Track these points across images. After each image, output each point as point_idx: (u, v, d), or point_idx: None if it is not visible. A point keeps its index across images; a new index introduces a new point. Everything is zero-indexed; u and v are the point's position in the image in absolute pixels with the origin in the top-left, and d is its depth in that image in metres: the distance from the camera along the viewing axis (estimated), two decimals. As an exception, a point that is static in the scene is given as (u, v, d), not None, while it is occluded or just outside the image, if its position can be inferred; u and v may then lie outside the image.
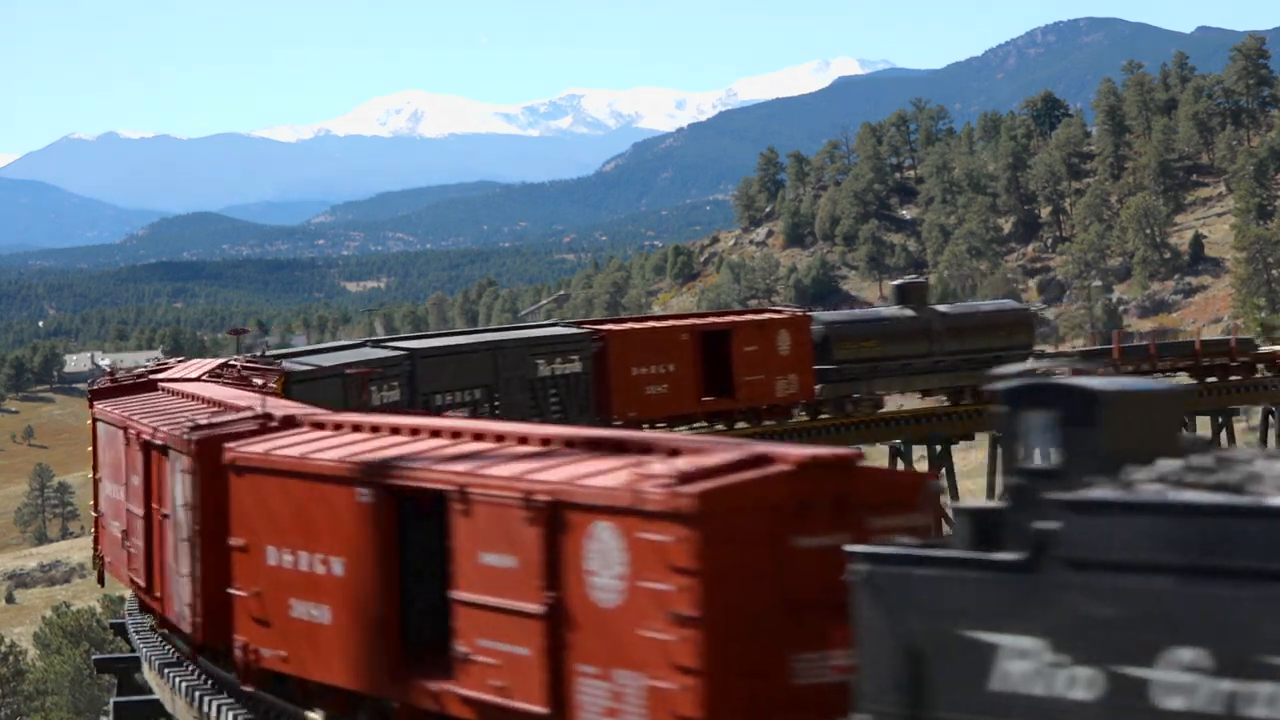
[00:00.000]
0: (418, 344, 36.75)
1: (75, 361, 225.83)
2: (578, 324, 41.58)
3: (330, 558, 13.59)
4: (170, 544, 16.95)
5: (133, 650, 23.48)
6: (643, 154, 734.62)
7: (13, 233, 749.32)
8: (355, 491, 13.14)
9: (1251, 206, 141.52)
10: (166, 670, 19.93)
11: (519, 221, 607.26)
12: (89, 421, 23.59)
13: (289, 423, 15.63)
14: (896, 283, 50.59)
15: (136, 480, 18.44)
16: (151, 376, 24.64)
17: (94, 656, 33.92)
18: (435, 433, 13.66)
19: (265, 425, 15.73)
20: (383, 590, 13.17)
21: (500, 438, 12.97)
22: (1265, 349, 52.88)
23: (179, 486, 16.49)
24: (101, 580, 24.40)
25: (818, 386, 42.06)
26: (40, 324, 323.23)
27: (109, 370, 26.74)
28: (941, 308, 48.00)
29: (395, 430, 14.07)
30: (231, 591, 14.96)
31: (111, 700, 24.24)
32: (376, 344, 37.24)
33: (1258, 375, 50.03)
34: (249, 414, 16.16)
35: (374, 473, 12.96)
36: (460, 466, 12.29)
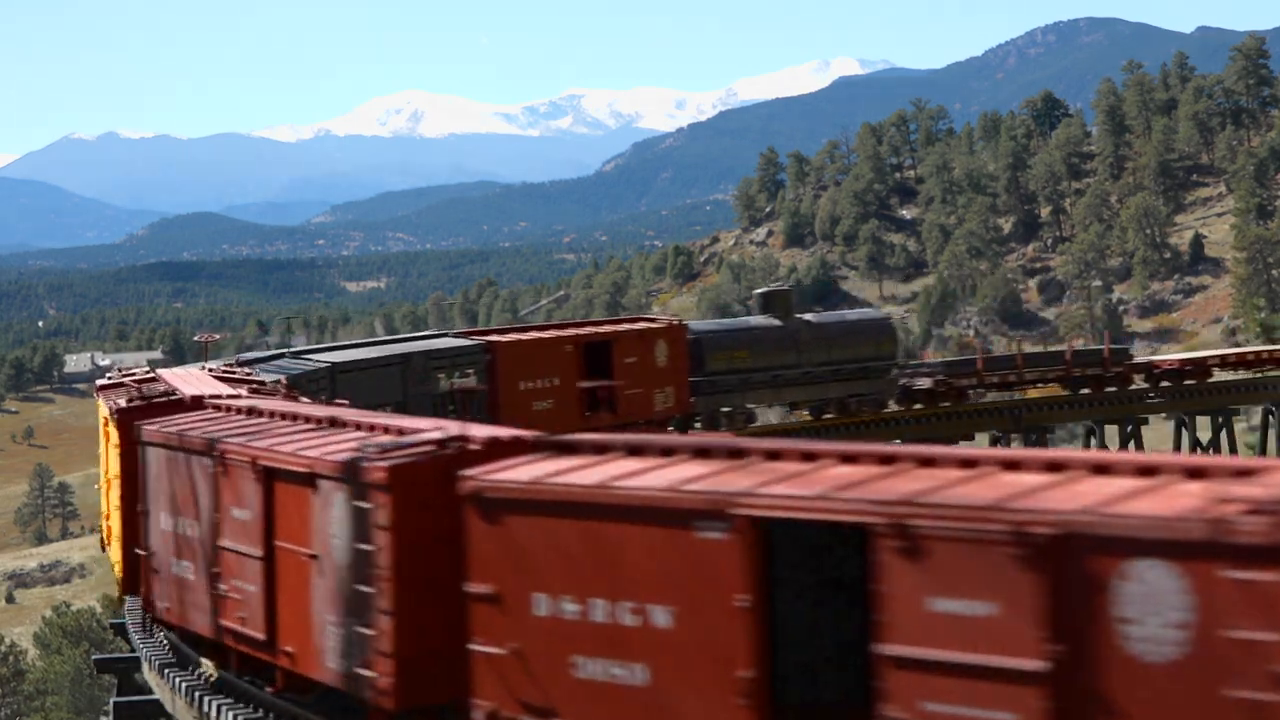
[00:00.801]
0: (338, 356, 33.92)
1: (75, 361, 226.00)
2: (468, 334, 38.47)
3: (647, 606, 11.17)
4: (322, 589, 14.61)
5: (133, 650, 23.47)
6: (643, 154, 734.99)
7: (13, 233, 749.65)
8: (693, 526, 10.78)
9: (1251, 206, 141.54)
10: (166, 670, 19.92)
11: (519, 221, 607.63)
12: (114, 444, 21.18)
13: (515, 447, 12.80)
14: (760, 290, 48.44)
15: (244, 514, 16.43)
16: (183, 391, 22.00)
17: (94, 656, 33.79)
18: (735, 453, 11.39)
19: (471, 450, 12.94)
20: (747, 645, 10.71)
21: (810, 456, 10.99)
22: (1141, 359, 50.13)
23: (342, 523, 14.09)
24: (150, 629, 20.80)
25: (692, 399, 40.42)
26: (40, 324, 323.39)
27: (125, 380, 23.80)
28: (808, 316, 46.02)
29: (700, 452, 11.54)
30: (476, 648, 12.24)
31: (111, 700, 24.22)
32: (296, 355, 34.37)
33: (1133, 387, 47.66)
34: (431, 435, 13.43)
35: (726, 503, 10.64)
36: (877, 493, 10.04)
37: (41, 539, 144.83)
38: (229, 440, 15.94)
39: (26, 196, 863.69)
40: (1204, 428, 50.42)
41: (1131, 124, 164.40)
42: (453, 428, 13.34)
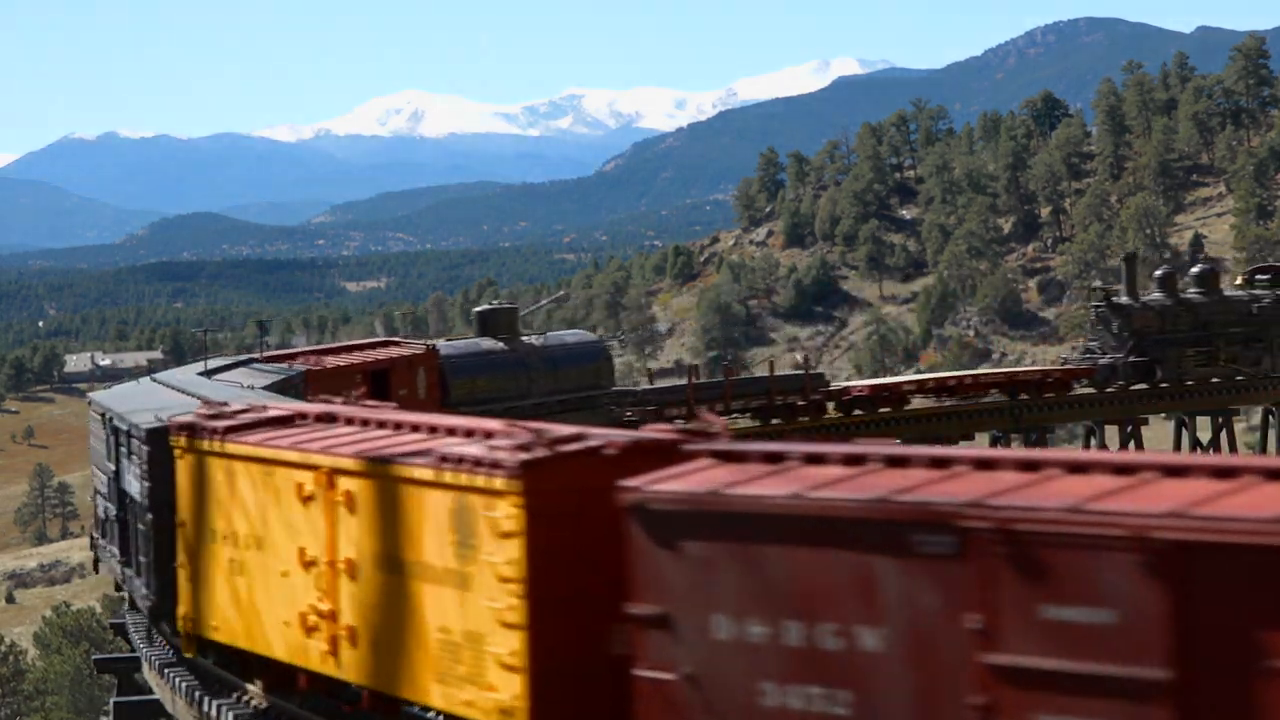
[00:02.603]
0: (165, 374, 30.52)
1: (75, 361, 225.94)
2: (277, 357, 34.66)
3: (853, 628, 9.97)
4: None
5: (133, 650, 23.47)
6: (643, 154, 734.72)
7: (13, 233, 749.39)
8: (912, 541, 9.63)
9: (1251, 206, 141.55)
10: (166, 670, 19.93)
11: (519, 221, 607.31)
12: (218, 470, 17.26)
13: (665, 454, 11.49)
14: (480, 309, 44.30)
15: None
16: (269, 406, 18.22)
17: (94, 656, 33.83)
18: (938, 462, 10.23)
19: (613, 454, 11.66)
20: (978, 670, 9.53)
21: (1032, 465, 9.82)
22: (836, 385, 46.87)
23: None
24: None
25: None
26: (40, 324, 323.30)
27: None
28: (531, 339, 42.25)
29: (897, 461, 10.40)
30: (642, 674, 11.10)
31: (111, 700, 24.24)
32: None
33: (827, 416, 44.71)
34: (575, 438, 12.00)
35: (954, 515, 9.45)
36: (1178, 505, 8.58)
37: (41, 539, 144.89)
38: None
39: (26, 196, 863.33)
40: (1204, 428, 50.45)
41: (1131, 124, 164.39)
42: (598, 432, 12.08)
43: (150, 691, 22.07)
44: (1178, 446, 49.83)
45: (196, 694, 18.43)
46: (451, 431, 13.21)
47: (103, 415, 21.42)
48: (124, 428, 18.94)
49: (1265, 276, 51.71)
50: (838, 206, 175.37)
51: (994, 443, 45.66)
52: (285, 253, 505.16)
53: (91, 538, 25.11)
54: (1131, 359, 46.87)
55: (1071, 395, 47.28)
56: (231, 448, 15.44)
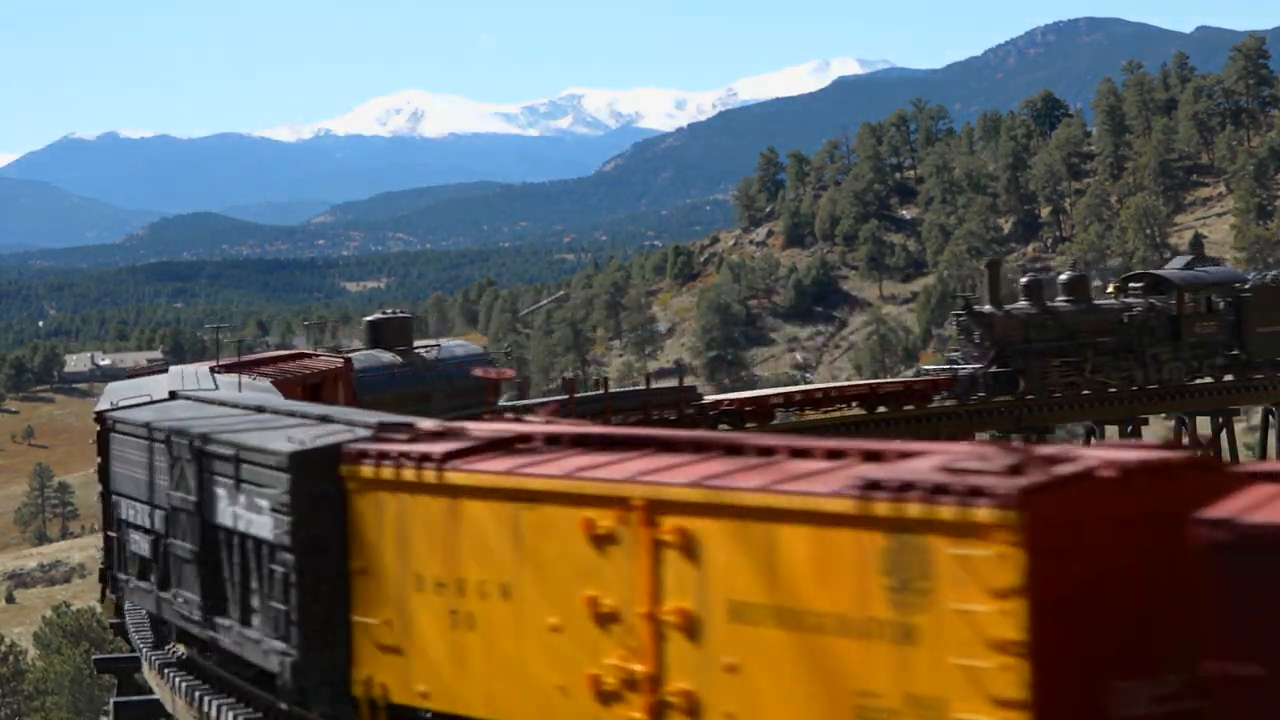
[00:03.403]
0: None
1: (75, 361, 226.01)
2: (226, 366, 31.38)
3: None
4: None
5: (133, 650, 23.46)
6: (643, 154, 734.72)
7: (13, 233, 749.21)
8: None
9: (1251, 206, 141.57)
10: (166, 670, 19.93)
11: (519, 221, 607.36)
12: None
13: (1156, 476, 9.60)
14: (371, 318, 41.97)
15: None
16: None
17: (94, 656, 33.81)
18: None
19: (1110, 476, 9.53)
20: None
21: None
22: (709, 398, 45.71)
23: None
24: None
25: None
26: (40, 324, 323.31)
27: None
28: (426, 350, 40.20)
29: None
30: None
31: (111, 700, 24.23)
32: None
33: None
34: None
35: None
36: None
37: (41, 539, 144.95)
38: None
39: (26, 196, 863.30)
40: (1204, 428, 50.40)
41: (1131, 124, 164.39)
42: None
43: (150, 691, 22.08)
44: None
45: (196, 694, 18.43)
46: (800, 454, 10.88)
47: (156, 433, 18.09)
48: (227, 452, 15.90)
49: (1139, 284, 49.07)
50: (838, 206, 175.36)
51: (994, 443, 45.59)
52: (285, 253, 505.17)
53: (112, 578, 20.92)
54: (993, 370, 44.60)
55: (1071, 395, 46.95)
56: (458, 478, 12.82)
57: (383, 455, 13.65)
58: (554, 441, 12.78)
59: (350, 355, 37.90)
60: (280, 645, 14.71)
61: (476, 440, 13.19)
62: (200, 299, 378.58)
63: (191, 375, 27.10)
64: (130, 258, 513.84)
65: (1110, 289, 51.13)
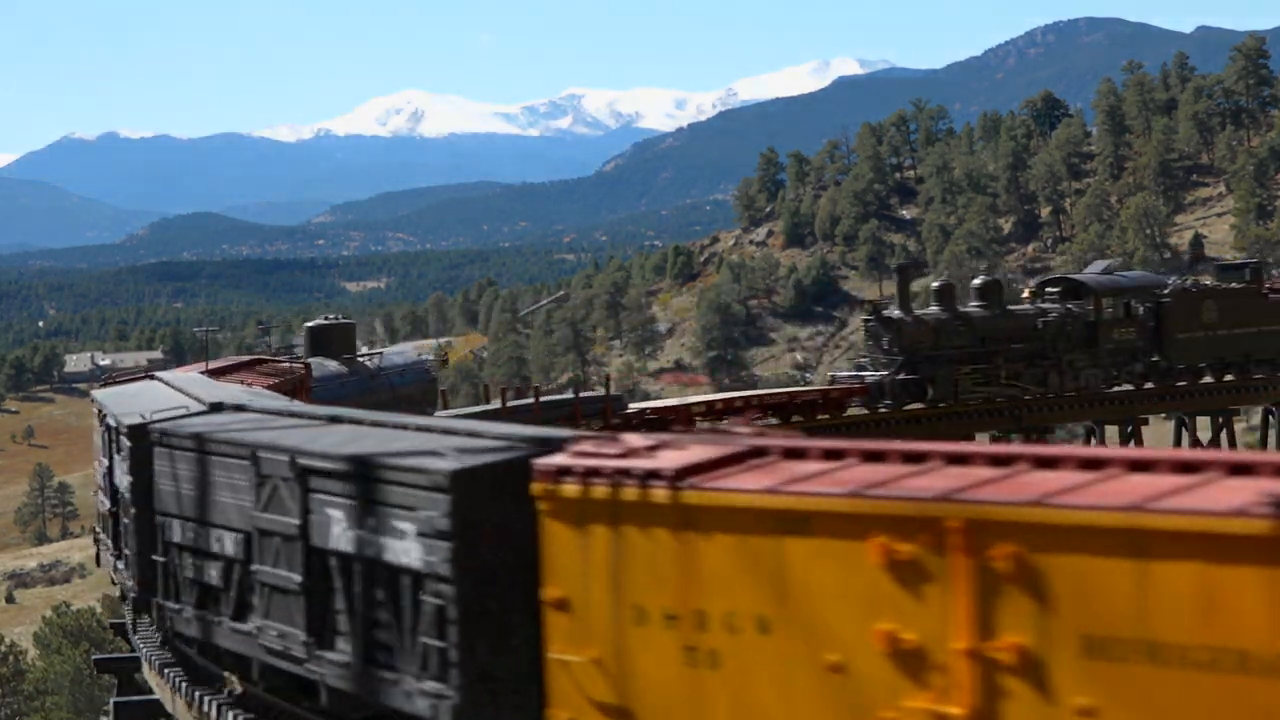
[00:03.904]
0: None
1: (75, 361, 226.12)
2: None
3: None
4: None
5: (133, 650, 23.45)
6: (643, 154, 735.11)
7: (13, 233, 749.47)
8: None
9: (1251, 206, 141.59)
10: (166, 670, 19.91)
11: (519, 221, 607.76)
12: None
13: None
14: (311, 324, 39.81)
15: None
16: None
17: (94, 656, 33.75)
18: None
19: None
20: None
21: None
22: (634, 407, 43.93)
23: None
24: None
25: None
26: (40, 324, 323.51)
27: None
28: (369, 359, 38.55)
29: None
30: None
31: (111, 700, 24.21)
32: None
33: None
34: None
35: None
36: None
37: (41, 539, 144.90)
38: None
39: (26, 196, 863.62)
40: (1204, 428, 50.41)
41: (1131, 124, 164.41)
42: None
43: (150, 691, 22.07)
44: (1178, 446, 49.41)
45: (196, 694, 18.40)
46: (1045, 463, 9.78)
47: (227, 448, 16.20)
48: (343, 469, 14.04)
49: (1055, 289, 47.17)
50: (838, 206, 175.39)
51: (994, 443, 45.52)
52: (285, 253, 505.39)
53: (157, 606, 18.63)
54: (901, 377, 43.08)
55: (1070, 395, 46.84)
56: (698, 497, 11.26)
57: (592, 472, 11.89)
58: (797, 454, 11.24)
59: (308, 362, 36.44)
60: (434, 686, 12.87)
61: (711, 454, 11.55)
62: (200, 299, 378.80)
63: (195, 382, 25.52)
64: (130, 258, 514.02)
65: (1025, 294, 49.42)
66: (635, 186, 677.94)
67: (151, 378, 28.27)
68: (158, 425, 18.32)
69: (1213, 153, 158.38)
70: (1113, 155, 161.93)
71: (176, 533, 17.43)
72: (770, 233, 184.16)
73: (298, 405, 20.15)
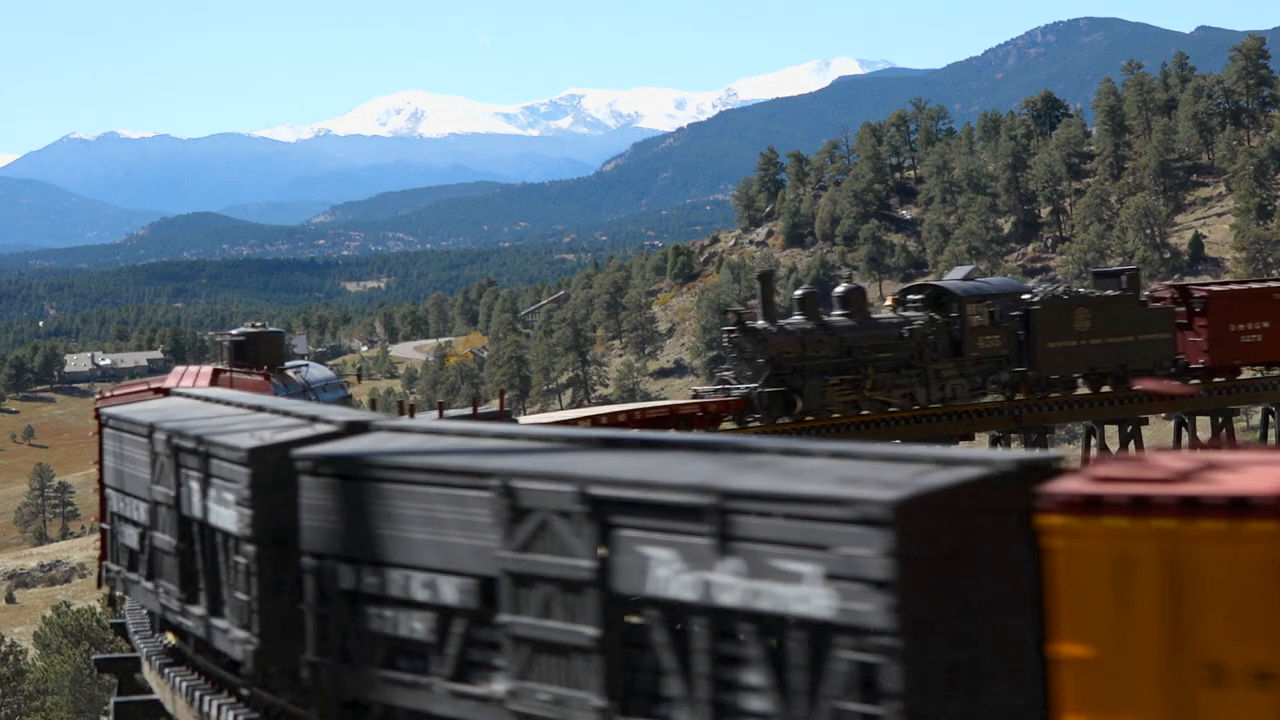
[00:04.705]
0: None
1: (75, 361, 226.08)
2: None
3: None
4: None
5: (133, 650, 23.45)
6: (643, 154, 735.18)
7: (13, 233, 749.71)
8: None
9: (1251, 206, 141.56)
10: (166, 670, 19.91)
11: (519, 221, 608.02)
12: None
13: None
14: (233, 334, 36.46)
15: None
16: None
17: (94, 656, 33.72)
18: None
19: None
20: None
21: None
22: (523, 421, 44.21)
23: None
24: None
25: None
26: (40, 324, 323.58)
27: None
28: (296, 372, 36.45)
29: None
30: None
31: (111, 700, 24.21)
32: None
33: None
34: None
35: None
36: None
37: (41, 539, 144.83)
38: None
39: (26, 196, 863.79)
40: (1204, 428, 50.42)
41: (1131, 124, 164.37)
42: None
43: (150, 691, 22.07)
44: (1177, 446, 49.30)
45: (196, 694, 18.40)
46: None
47: (490, 479, 12.97)
48: (673, 500, 11.32)
49: (918, 296, 45.08)
50: (838, 206, 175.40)
51: (994, 443, 45.45)
52: (285, 253, 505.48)
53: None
54: (768, 389, 41.24)
55: (1069, 395, 46.71)
56: None
57: (1143, 502, 9.74)
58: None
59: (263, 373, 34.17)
60: None
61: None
62: (200, 299, 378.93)
63: (236, 396, 21.55)
64: (130, 258, 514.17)
65: (889, 302, 47.66)
66: (635, 186, 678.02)
67: (166, 392, 25.25)
68: (307, 451, 15.03)
69: (1213, 153, 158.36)
70: (1113, 155, 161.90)
71: (347, 578, 14.39)
72: (770, 233, 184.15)
73: (444, 423, 16.27)
